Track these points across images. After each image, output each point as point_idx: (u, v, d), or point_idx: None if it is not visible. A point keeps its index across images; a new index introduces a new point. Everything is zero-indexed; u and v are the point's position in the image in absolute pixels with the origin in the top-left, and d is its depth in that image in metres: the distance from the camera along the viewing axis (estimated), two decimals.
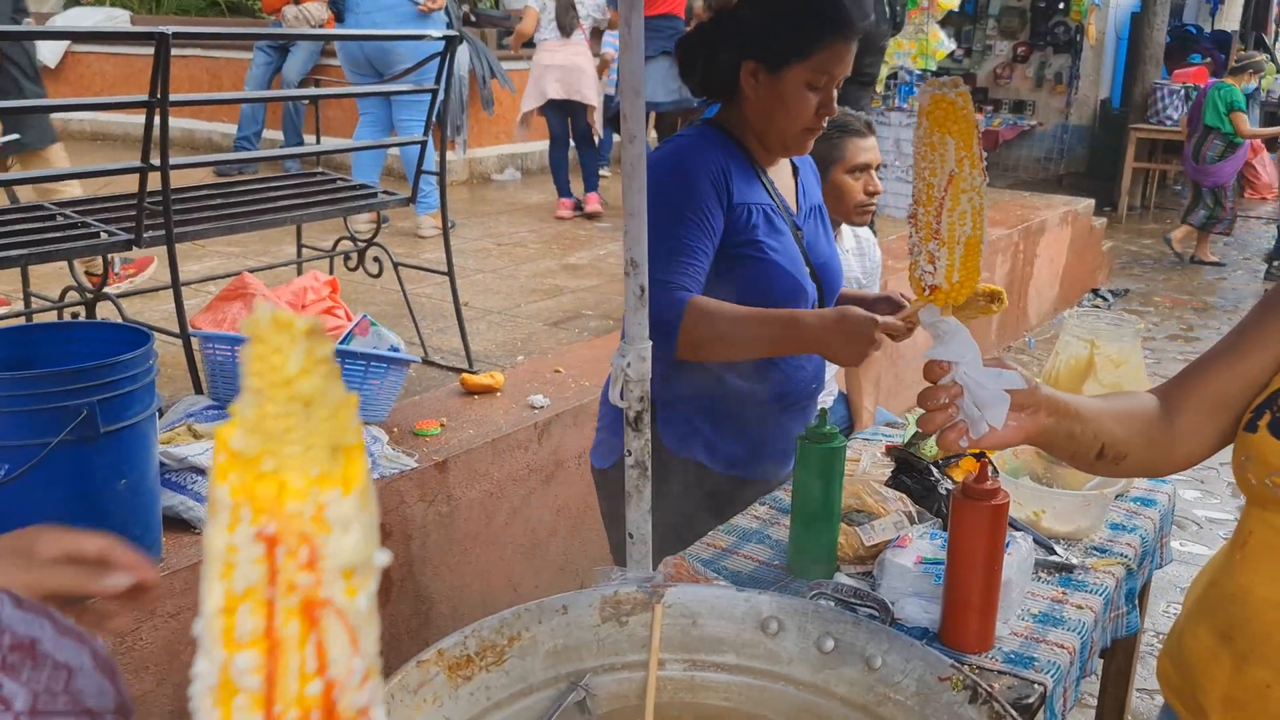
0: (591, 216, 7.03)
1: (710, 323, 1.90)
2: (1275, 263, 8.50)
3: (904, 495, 1.98)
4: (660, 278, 1.85)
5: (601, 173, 7.56)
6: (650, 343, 1.73)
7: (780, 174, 2.15)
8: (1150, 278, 8.40)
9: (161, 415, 2.73)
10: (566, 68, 6.93)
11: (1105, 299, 7.59)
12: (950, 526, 1.60)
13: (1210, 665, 1.35)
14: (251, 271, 3.60)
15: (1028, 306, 6.72)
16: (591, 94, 7.03)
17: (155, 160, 2.98)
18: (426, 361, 3.85)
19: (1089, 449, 1.31)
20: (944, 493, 1.95)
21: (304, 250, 4.35)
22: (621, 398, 1.72)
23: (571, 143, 7.24)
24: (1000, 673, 1.59)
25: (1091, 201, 7.74)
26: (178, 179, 3.12)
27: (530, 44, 7.26)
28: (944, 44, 6.01)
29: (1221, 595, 1.36)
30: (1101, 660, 2.29)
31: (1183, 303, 7.70)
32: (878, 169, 2.74)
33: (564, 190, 7.05)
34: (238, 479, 0.46)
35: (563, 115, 7.07)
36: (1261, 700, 1.28)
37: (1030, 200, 7.46)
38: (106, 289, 3.26)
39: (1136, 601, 2.00)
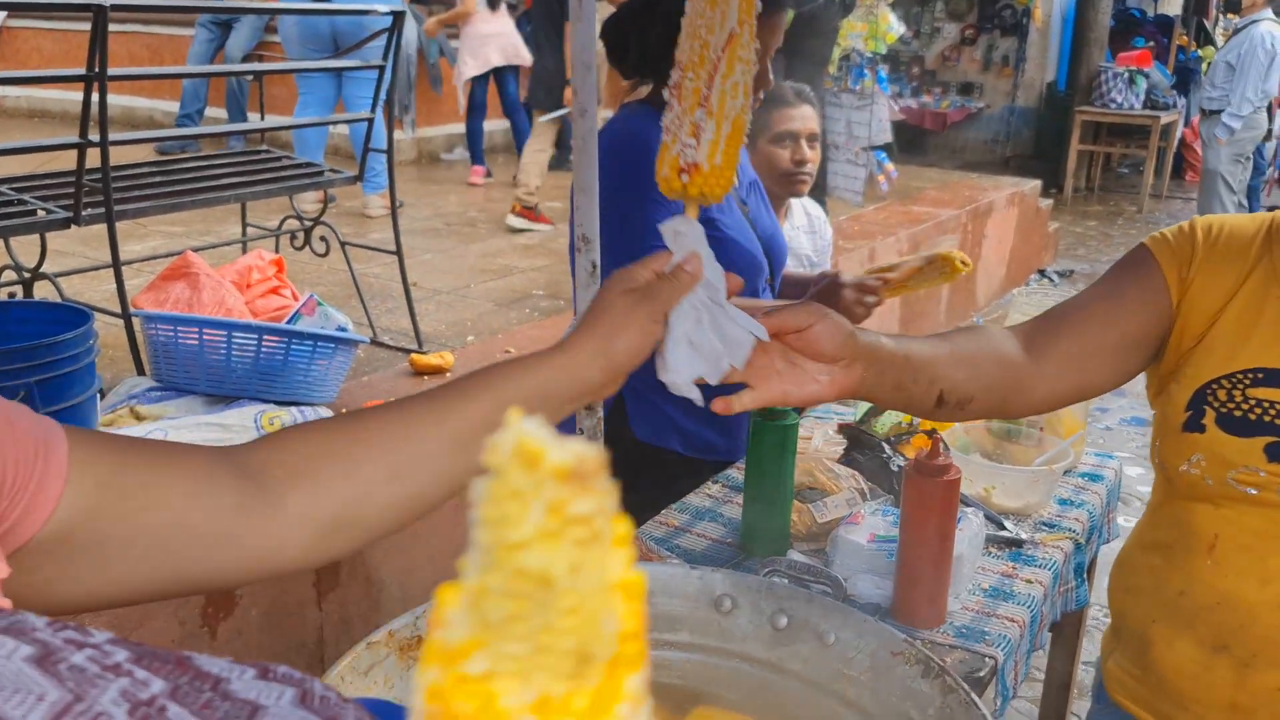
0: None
1: None
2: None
3: (856, 472, 1.98)
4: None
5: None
6: None
7: None
8: (1095, 259, 8.52)
9: (103, 397, 2.67)
10: (503, 34, 7.30)
11: (1051, 280, 7.69)
12: (902, 502, 1.60)
13: (1202, 677, 1.31)
14: (195, 250, 3.53)
15: (976, 287, 6.79)
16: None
17: (94, 136, 2.91)
18: (375, 342, 3.81)
19: (925, 398, 1.22)
20: (896, 469, 1.96)
21: (249, 229, 4.28)
22: None
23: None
24: (952, 647, 1.59)
25: (1038, 183, 7.82)
26: (118, 156, 3.05)
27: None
28: (894, 27, 6.02)
29: (1201, 605, 1.31)
30: (1050, 634, 2.32)
31: None
32: (811, 139, 2.69)
33: (478, 159, 7.53)
34: (439, 676, 0.32)
35: (486, 86, 7.47)
36: (1274, 704, 1.26)
37: (978, 181, 7.53)
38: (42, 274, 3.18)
39: (1085, 575, 2.02)
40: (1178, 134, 11.27)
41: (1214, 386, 1.28)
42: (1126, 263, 1.37)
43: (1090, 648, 3.14)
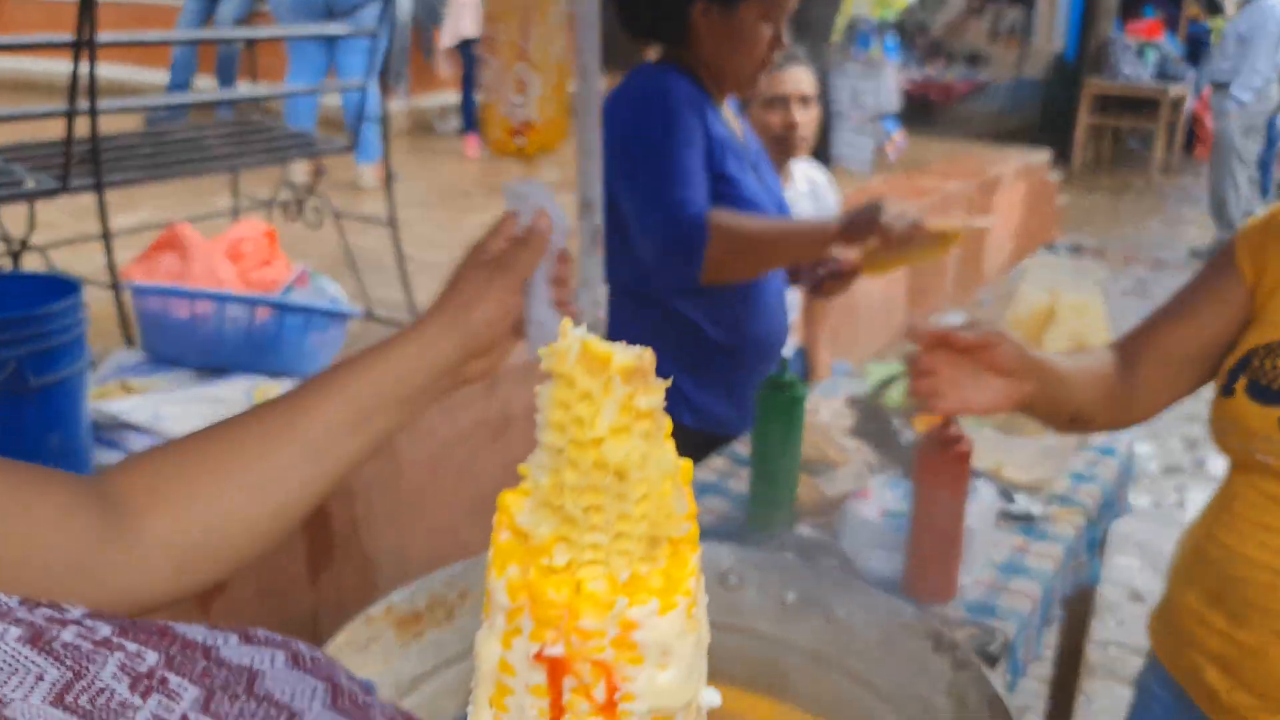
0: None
1: (737, 235, 1.82)
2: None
3: (865, 445, 1.93)
4: (673, 198, 1.77)
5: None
6: (606, 287, 1.67)
7: (728, 113, 2.11)
8: (1104, 233, 8.44)
9: (94, 370, 2.62)
10: (480, 3, 6.95)
11: (1060, 254, 7.62)
12: (914, 475, 1.56)
13: (1200, 627, 1.35)
14: (186, 222, 3.47)
15: (983, 261, 6.72)
16: None
17: (83, 104, 2.85)
18: (369, 315, 3.76)
19: (1063, 413, 1.34)
20: (906, 442, 1.92)
21: (241, 201, 4.22)
22: None
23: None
24: (963, 622, 1.55)
25: (1047, 155, 7.73)
26: (107, 126, 3.00)
27: None
28: None
29: (1210, 559, 1.36)
30: (1063, 612, 2.28)
31: (1136, 258, 7.75)
32: (803, 101, 2.65)
33: (472, 128, 7.35)
34: (519, 573, 0.35)
35: (474, 53, 7.25)
36: (1256, 660, 1.28)
37: (986, 153, 7.44)
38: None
39: (1097, 551, 1.98)
40: (1188, 106, 11.15)
41: (1254, 355, 1.28)
42: (1212, 261, 1.41)
43: (1100, 627, 3.10)
